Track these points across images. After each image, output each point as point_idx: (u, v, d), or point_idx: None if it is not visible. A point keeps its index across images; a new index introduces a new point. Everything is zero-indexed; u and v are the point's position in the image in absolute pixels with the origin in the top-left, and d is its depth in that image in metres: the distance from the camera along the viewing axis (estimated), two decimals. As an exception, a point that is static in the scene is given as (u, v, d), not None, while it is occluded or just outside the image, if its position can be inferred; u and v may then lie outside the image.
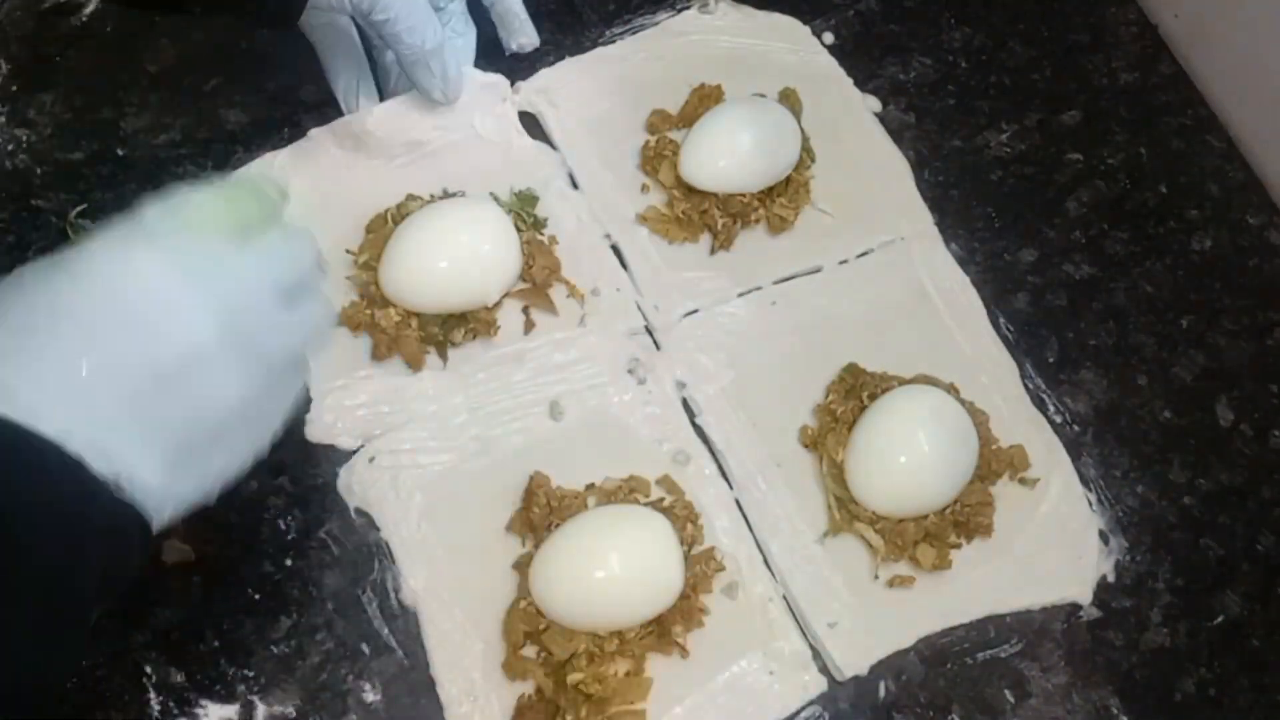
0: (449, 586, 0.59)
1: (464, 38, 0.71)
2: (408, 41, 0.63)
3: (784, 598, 0.60)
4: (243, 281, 0.46)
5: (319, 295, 0.50)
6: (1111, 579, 0.62)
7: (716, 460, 0.63)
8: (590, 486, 0.61)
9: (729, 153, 0.67)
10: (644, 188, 0.70)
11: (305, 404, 0.62)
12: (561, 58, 0.73)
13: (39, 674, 0.40)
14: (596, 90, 0.72)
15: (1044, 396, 0.67)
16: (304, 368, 0.50)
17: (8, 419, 0.39)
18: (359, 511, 0.60)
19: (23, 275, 0.43)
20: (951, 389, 0.64)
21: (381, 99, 0.69)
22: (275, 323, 0.47)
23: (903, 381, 0.64)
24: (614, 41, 0.75)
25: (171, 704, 0.56)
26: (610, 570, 0.56)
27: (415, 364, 0.63)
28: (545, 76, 0.72)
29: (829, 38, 0.76)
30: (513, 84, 0.72)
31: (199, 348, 0.43)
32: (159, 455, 0.42)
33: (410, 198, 0.66)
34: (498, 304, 0.64)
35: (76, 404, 0.41)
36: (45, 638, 0.40)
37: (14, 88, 0.69)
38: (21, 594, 0.38)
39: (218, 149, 0.70)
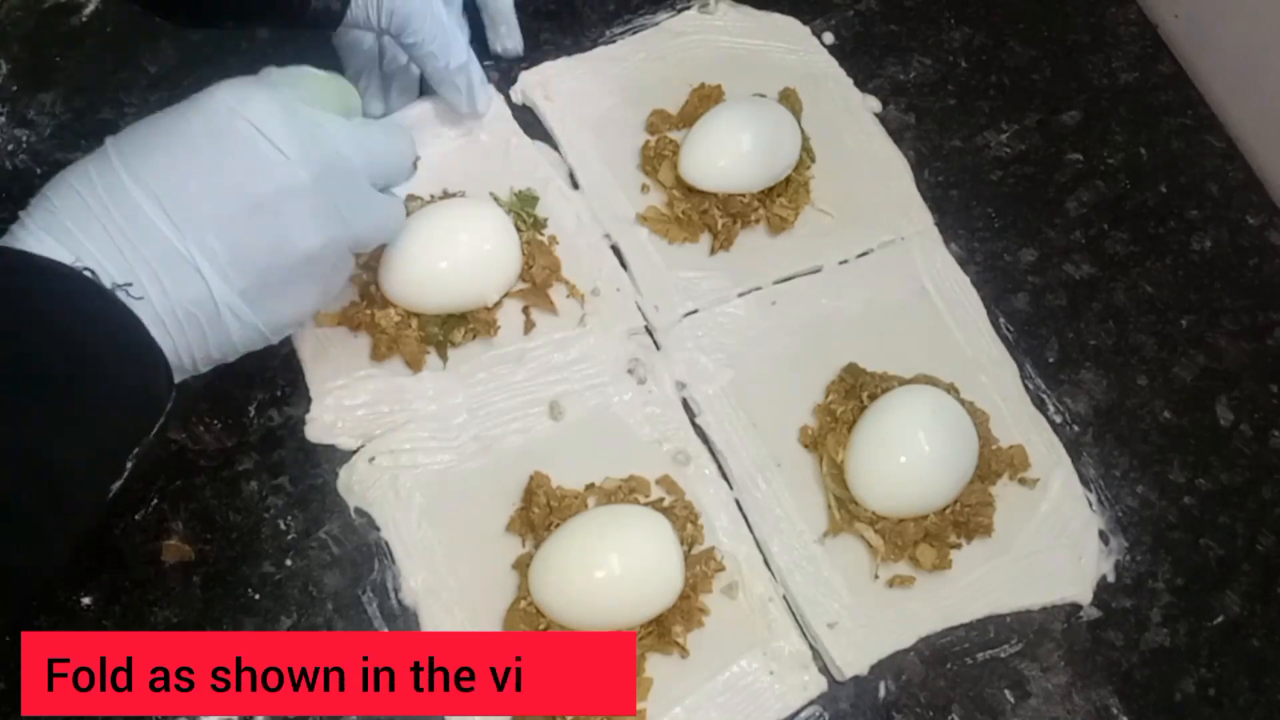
0: (449, 586, 0.58)
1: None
2: (434, 63, 0.64)
3: (784, 598, 0.60)
4: (341, 149, 0.52)
5: (399, 195, 0.57)
6: (1111, 579, 0.62)
7: (716, 460, 0.63)
8: (590, 486, 0.61)
9: (729, 153, 0.67)
10: (644, 188, 0.70)
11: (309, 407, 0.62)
12: (561, 58, 0.73)
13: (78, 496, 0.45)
14: (596, 90, 0.72)
15: (1044, 396, 0.67)
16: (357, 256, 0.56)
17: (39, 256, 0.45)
18: (359, 511, 0.60)
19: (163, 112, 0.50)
20: (951, 389, 0.64)
21: (386, 103, 0.69)
22: (362, 195, 0.53)
23: (903, 381, 0.64)
24: (614, 41, 0.75)
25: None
26: (610, 570, 0.56)
27: (415, 364, 0.63)
28: (542, 70, 0.72)
29: (829, 38, 0.76)
30: (512, 75, 0.72)
31: (293, 190, 0.49)
32: (237, 281, 0.48)
33: (410, 198, 0.65)
34: (498, 304, 0.64)
35: (179, 214, 0.47)
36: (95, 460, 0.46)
37: (14, 88, 0.69)
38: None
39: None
